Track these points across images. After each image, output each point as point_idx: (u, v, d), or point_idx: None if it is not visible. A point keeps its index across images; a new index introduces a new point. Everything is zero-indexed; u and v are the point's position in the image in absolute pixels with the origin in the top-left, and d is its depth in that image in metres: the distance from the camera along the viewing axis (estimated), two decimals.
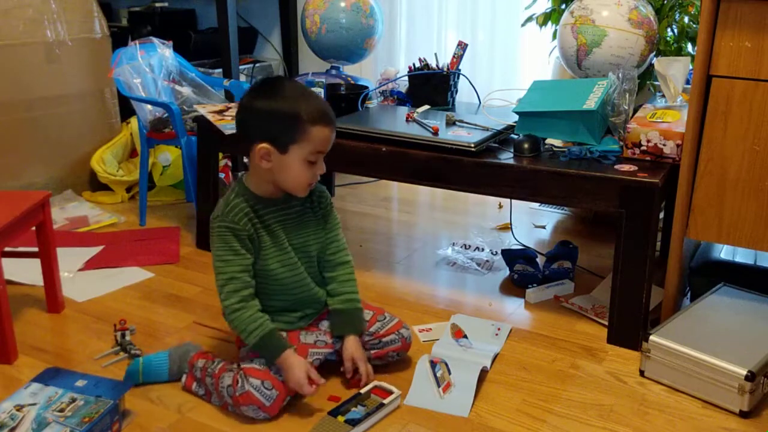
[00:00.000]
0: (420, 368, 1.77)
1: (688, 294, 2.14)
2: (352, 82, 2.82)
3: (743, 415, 1.63)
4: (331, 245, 1.81)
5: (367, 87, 2.56)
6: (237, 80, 3.05)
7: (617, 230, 1.86)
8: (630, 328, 1.91)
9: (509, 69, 3.20)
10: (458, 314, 2.08)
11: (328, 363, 1.77)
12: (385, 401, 1.66)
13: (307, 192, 1.71)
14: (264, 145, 1.62)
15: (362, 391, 1.70)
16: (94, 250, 2.56)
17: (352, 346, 1.73)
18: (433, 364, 1.77)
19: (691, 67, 2.07)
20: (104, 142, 3.20)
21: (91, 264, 2.45)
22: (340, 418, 1.60)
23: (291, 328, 1.76)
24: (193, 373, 1.74)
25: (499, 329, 2.01)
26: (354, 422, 1.59)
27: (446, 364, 1.77)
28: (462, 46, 2.56)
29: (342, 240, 1.83)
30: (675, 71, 2.06)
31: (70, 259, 2.44)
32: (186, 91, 2.90)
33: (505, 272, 2.39)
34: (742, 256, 2.16)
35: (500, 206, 3.03)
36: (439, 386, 1.72)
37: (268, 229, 1.70)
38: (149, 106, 2.82)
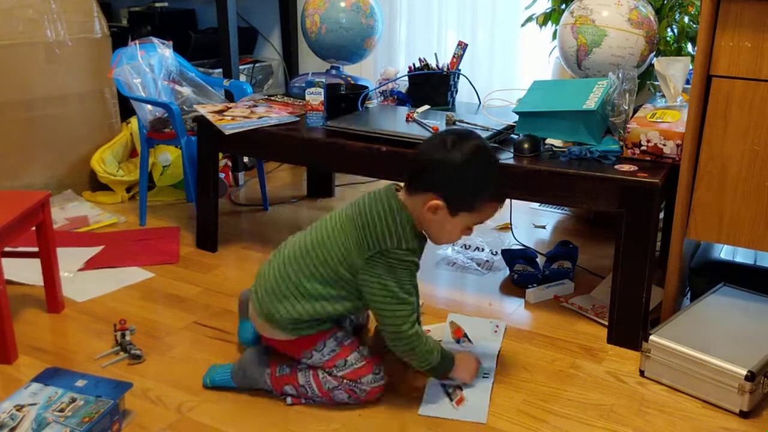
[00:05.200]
0: (432, 380, 1.75)
1: (688, 294, 2.14)
2: (352, 82, 2.82)
3: (743, 415, 1.64)
4: None
5: (367, 87, 2.55)
6: (237, 80, 3.05)
7: (617, 230, 1.86)
8: (630, 328, 1.91)
9: (509, 69, 3.20)
10: (454, 314, 2.08)
11: None
12: None
13: None
14: (439, 202, 1.59)
15: None
16: (94, 250, 2.56)
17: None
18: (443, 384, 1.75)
19: (691, 67, 2.07)
20: (104, 142, 3.20)
21: (91, 264, 2.45)
22: None
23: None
24: (289, 392, 1.70)
25: (497, 326, 2.01)
26: None
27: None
28: (462, 46, 2.56)
29: None
30: (675, 71, 2.06)
31: (70, 259, 2.44)
32: (186, 91, 2.90)
33: (505, 272, 2.39)
34: (742, 256, 2.16)
35: None
36: (451, 401, 1.69)
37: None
38: (149, 106, 2.81)
